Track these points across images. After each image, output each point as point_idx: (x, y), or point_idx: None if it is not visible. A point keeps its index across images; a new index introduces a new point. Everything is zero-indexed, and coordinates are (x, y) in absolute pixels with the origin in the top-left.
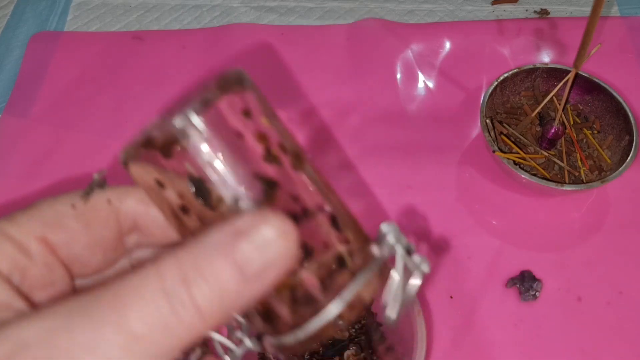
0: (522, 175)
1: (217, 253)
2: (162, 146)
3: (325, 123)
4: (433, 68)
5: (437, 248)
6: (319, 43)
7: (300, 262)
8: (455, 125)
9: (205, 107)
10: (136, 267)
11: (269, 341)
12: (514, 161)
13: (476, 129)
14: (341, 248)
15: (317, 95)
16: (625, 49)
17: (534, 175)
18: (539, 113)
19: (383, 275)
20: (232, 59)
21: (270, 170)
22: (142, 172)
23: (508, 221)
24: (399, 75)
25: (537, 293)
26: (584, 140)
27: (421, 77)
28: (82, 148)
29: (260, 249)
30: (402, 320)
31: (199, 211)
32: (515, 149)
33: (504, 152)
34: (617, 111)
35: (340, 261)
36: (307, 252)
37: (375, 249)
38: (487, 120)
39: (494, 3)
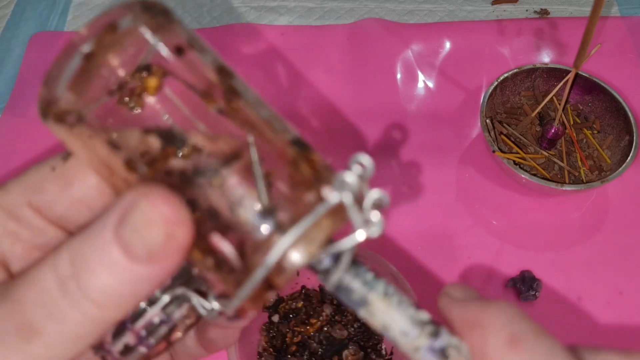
0: (522, 175)
1: (101, 240)
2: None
3: (325, 123)
4: (433, 68)
5: (437, 248)
6: (319, 43)
7: (217, 227)
8: (455, 125)
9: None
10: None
11: (221, 304)
12: (514, 161)
13: (476, 129)
14: (273, 200)
15: (317, 95)
16: (625, 49)
17: (534, 175)
18: (539, 113)
19: (329, 227)
20: (232, 59)
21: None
22: (79, 131)
23: (508, 221)
24: (399, 75)
25: (537, 293)
26: (584, 140)
27: (421, 77)
28: None
29: (139, 232)
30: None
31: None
32: (515, 149)
33: (504, 152)
34: (617, 111)
35: (270, 214)
36: (216, 213)
37: (326, 193)
38: (487, 120)
39: (494, 3)
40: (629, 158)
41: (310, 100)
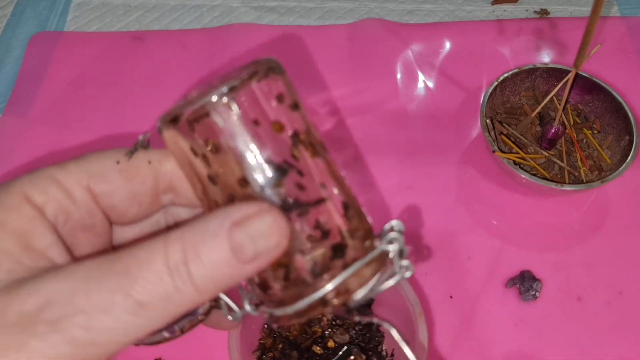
0: (522, 175)
1: (215, 238)
2: (195, 119)
3: (325, 123)
4: (433, 68)
5: (437, 248)
6: (319, 43)
7: (300, 247)
8: (455, 125)
9: (239, 88)
10: (145, 239)
11: (263, 309)
12: (514, 161)
13: (476, 129)
14: (343, 237)
15: (317, 95)
16: (625, 49)
17: (534, 175)
18: (539, 113)
19: (375, 268)
20: (232, 59)
21: (289, 156)
22: (175, 139)
23: (508, 221)
24: (399, 75)
25: (537, 293)
26: (584, 140)
27: (421, 77)
28: (82, 148)
29: (252, 239)
30: (402, 321)
31: (224, 183)
32: (515, 149)
33: (504, 152)
34: (617, 111)
35: (340, 249)
36: (310, 237)
37: (376, 243)
38: (487, 120)
39: (494, 3)
40: (629, 158)
41: (309, 100)
